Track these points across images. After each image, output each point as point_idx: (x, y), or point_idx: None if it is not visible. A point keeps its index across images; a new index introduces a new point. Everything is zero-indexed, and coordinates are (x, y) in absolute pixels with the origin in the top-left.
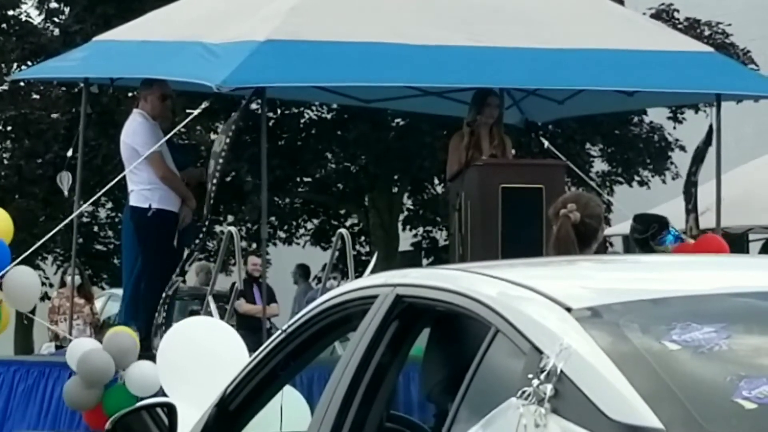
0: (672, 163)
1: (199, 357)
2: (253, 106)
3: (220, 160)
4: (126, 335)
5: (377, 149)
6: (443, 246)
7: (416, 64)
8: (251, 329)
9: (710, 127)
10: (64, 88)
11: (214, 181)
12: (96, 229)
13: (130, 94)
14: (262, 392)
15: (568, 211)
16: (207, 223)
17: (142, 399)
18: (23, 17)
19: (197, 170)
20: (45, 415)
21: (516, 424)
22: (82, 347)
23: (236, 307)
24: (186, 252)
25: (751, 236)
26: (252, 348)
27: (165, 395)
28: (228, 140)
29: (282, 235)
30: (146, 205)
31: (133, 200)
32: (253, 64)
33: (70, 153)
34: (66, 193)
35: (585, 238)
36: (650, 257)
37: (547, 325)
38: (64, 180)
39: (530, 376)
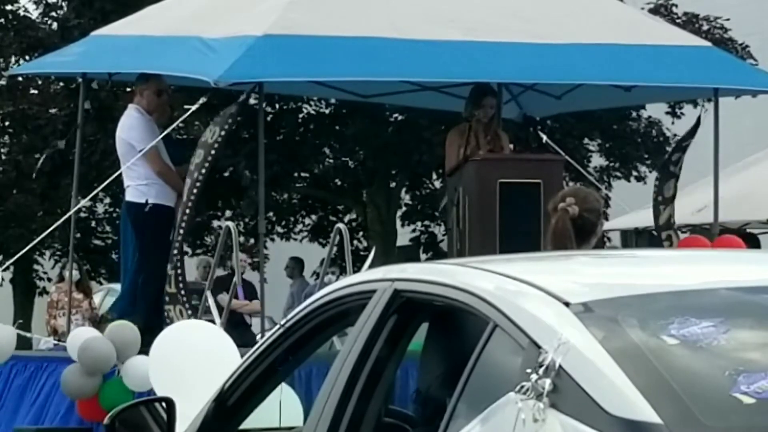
0: None
1: (190, 360)
2: (252, 101)
3: (212, 152)
4: (129, 327)
5: (375, 144)
6: (441, 241)
7: (414, 59)
8: (233, 324)
9: (698, 119)
10: (62, 84)
11: (203, 171)
12: (94, 224)
13: (128, 90)
14: (260, 387)
15: (567, 204)
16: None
17: (136, 394)
18: (21, 12)
19: None
20: (43, 409)
21: (514, 418)
22: (83, 335)
23: (218, 302)
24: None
25: (749, 231)
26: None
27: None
28: (223, 133)
29: (280, 230)
30: (143, 201)
31: (130, 196)
32: (250, 58)
33: (62, 145)
34: None
35: (583, 233)
36: (648, 252)
37: (546, 320)
38: None
39: (528, 370)
